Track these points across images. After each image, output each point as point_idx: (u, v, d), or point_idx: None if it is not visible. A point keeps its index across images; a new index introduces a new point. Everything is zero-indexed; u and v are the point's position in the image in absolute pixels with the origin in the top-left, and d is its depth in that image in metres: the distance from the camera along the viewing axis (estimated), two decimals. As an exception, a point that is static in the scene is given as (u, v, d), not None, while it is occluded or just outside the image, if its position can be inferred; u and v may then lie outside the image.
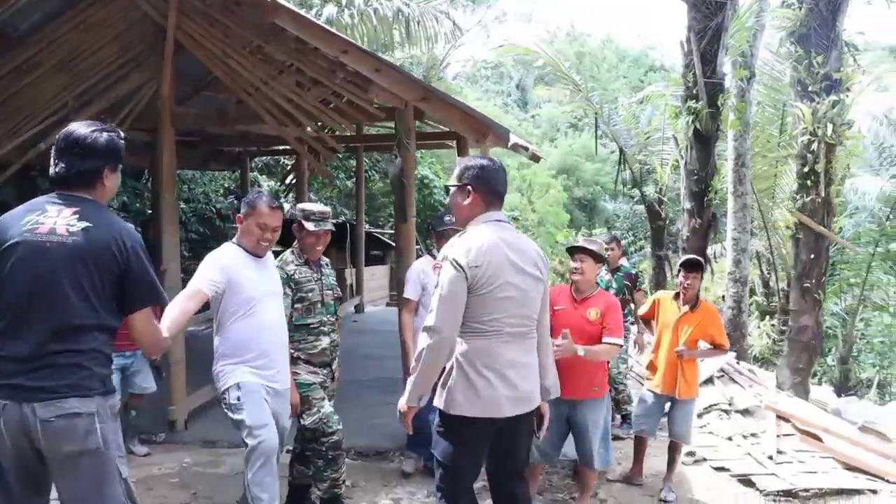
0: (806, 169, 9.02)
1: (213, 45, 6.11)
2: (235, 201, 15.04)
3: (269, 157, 15.29)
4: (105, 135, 2.86)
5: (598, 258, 4.75)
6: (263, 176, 16.19)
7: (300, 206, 4.49)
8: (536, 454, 4.82)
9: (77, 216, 2.75)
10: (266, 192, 3.76)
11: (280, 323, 4.05)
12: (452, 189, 3.41)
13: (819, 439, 6.58)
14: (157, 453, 6.02)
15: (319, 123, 6.41)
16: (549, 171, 36.67)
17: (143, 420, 6.13)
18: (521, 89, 55.79)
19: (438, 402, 3.34)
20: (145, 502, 4.88)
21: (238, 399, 3.79)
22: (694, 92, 10.26)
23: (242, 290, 3.84)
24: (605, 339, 4.58)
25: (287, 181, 13.41)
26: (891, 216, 12.87)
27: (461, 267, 3.14)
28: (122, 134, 2.98)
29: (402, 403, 3.31)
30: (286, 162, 16.50)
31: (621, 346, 4.79)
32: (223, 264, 3.85)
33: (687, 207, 10.72)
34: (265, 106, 6.01)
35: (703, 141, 10.40)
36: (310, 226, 4.39)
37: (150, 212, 12.73)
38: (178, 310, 3.51)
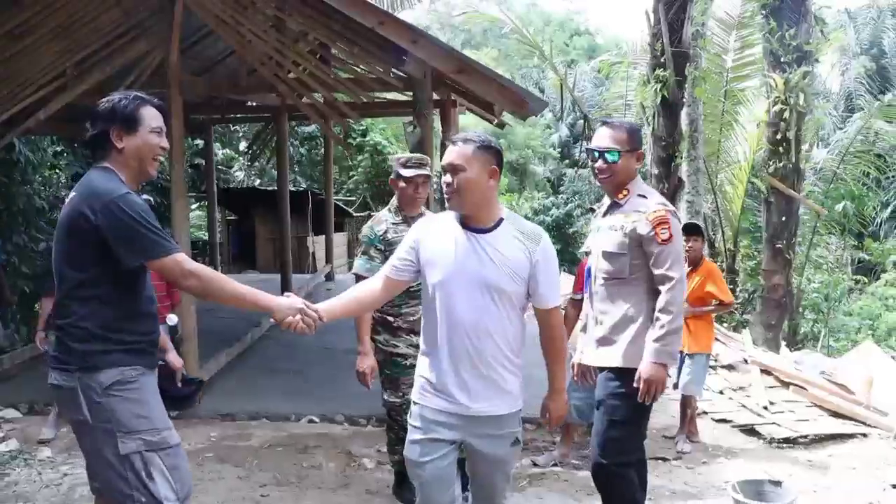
0: (778, 136, 9.47)
1: (223, 13, 6.00)
2: (190, 169, 14.69)
3: (221, 125, 14.96)
4: (115, 98, 2.73)
5: None
6: (217, 144, 15.85)
7: (395, 156, 4.25)
8: (574, 414, 5.01)
9: (75, 187, 2.73)
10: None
11: (486, 327, 2.73)
12: (625, 154, 3.34)
13: (805, 390, 7.04)
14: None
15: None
16: (483, 134, 36.84)
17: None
18: (447, 52, 55.50)
19: (628, 362, 3.32)
20: (202, 477, 4.83)
21: (409, 424, 2.96)
22: (662, 60, 10.55)
23: (430, 268, 2.80)
24: None
25: (252, 148, 13.20)
26: (834, 180, 13.58)
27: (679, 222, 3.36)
28: (156, 101, 2.82)
29: (652, 369, 3.19)
30: (237, 129, 16.23)
31: None
32: (416, 236, 2.88)
33: (655, 173, 11.04)
34: (281, 76, 5.97)
35: (670, 108, 10.73)
36: (406, 172, 3.97)
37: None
38: (359, 287, 3.08)
